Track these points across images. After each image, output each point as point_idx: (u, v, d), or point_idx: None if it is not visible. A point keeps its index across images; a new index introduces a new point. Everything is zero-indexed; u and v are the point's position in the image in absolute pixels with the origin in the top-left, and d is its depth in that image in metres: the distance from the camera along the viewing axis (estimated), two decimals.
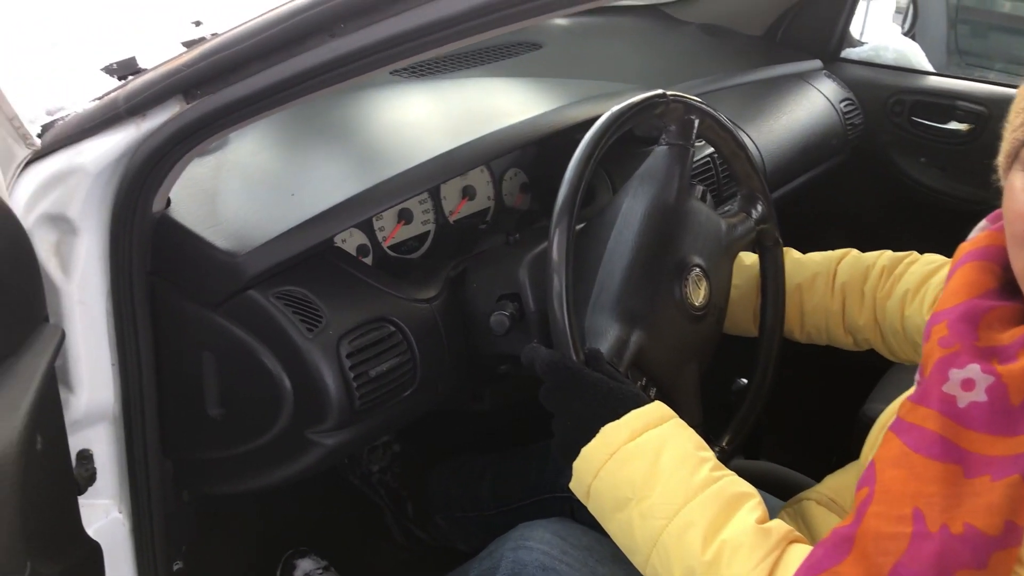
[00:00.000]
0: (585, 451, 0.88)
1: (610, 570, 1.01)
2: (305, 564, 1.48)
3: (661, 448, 0.86)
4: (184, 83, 0.91)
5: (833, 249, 1.23)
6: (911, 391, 0.82)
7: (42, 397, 0.84)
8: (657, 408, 0.89)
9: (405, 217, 1.25)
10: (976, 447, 0.74)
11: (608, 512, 0.88)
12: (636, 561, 0.87)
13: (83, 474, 1.05)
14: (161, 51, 1.00)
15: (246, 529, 1.54)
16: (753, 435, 1.19)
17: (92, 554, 1.04)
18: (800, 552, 0.79)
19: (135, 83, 0.94)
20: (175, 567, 1.21)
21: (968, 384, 0.76)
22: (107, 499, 1.12)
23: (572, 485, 0.91)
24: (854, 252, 1.20)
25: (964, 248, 0.89)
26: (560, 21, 1.90)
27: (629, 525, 0.85)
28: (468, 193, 1.33)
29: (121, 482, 1.11)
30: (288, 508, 1.59)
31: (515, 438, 1.48)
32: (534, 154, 1.44)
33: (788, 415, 1.27)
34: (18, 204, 0.94)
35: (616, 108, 1.03)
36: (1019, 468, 0.72)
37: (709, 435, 1.03)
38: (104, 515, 1.11)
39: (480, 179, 1.36)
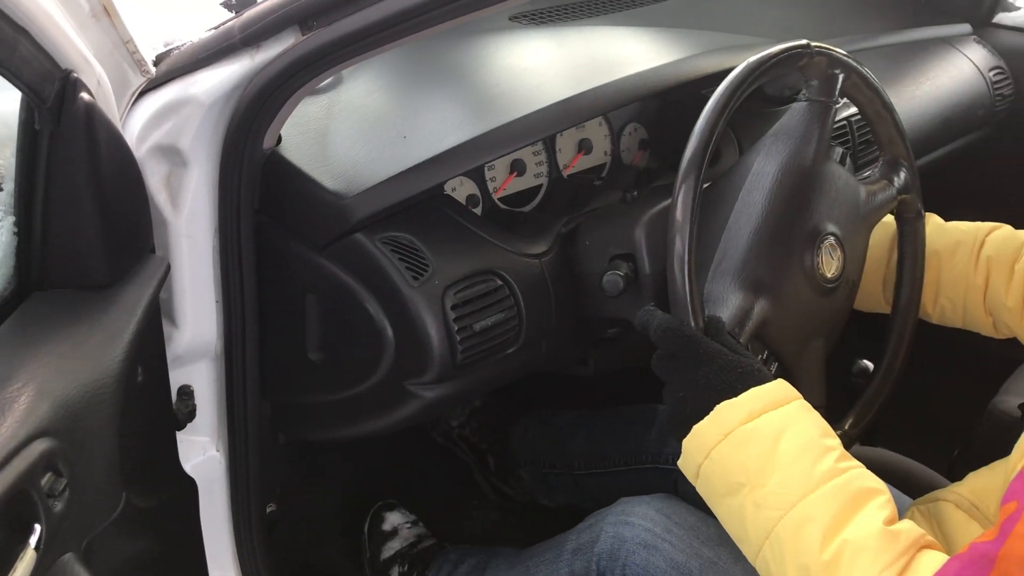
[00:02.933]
0: (697, 429, 0.82)
1: (715, 553, 0.95)
2: (394, 517, 1.47)
3: (781, 432, 0.79)
4: (300, 13, 0.88)
5: None
6: None
7: (145, 328, 0.83)
8: (779, 388, 0.83)
9: (518, 169, 1.20)
10: None
11: (718, 496, 0.82)
12: (746, 551, 0.81)
13: (183, 409, 1.05)
14: None
15: (336, 479, 1.54)
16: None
17: (187, 490, 1.04)
18: (932, 561, 0.71)
19: (251, 12, 0.91)
20: (268, 509, 1.21)
21: None
22: (205, 436, 1.12)
23: (680, 463, 0.85)
24: (1007, 227, 1.09)
25: None
26: None
27: (740, 513, 0.79)
28: (584, 147, 1.27)
29: (220, 420, 1.11)
30: (378, 462, 1.58)
31: (609, 400, 1.43)
32: (656, 109, 1.36)
33: (907, 400, 1.18)
34: (131, 134, 0.93)
35: (756, 57, 0.95)
36: None
37: (830, 419, 0.95)
38: (202, 452, 1.11)
39: (598, 133, 1.29)
